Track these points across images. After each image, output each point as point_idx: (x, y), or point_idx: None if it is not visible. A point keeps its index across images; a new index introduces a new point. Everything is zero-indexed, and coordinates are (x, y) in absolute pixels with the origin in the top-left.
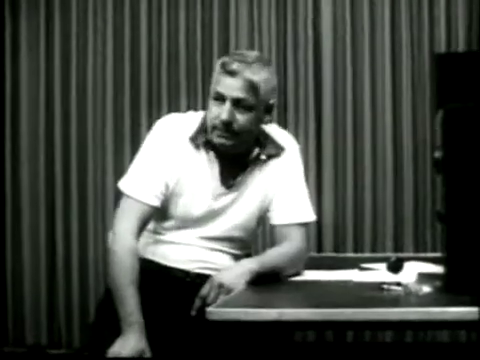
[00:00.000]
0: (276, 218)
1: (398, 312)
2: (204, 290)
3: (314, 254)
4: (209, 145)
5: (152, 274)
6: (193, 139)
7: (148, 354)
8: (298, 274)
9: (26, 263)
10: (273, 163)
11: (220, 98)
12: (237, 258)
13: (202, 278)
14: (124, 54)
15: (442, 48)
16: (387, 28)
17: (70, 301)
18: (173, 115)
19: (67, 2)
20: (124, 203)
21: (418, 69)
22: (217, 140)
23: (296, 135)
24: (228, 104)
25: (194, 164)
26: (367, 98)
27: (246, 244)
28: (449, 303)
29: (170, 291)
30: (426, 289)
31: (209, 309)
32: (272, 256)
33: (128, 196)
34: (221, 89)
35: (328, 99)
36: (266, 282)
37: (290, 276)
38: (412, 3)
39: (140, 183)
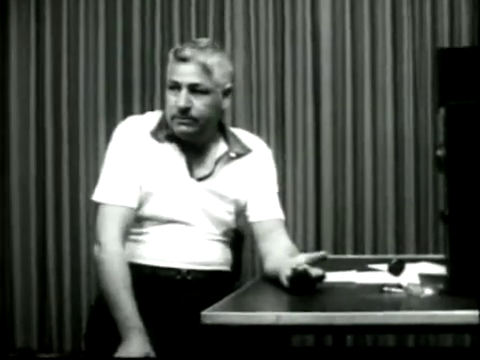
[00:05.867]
0: (258, 215)
1: (399, 315)
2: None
3: None
4: (172, 138)
5: (141, 278)
6: (154, 134)
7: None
8: None
9: (16, 265)
10: (244, 163)
11: (176, 86)
12: (224, 244)
13: (193, 274)
14: (116, 49)
15: (445, 43)
16: (388, 22)
17: (61, 304)
18: (131, 117)
19: None
20: (103, 212)
21: (420, 64)
22: (178, 128)
23: (294, 132)
24: (184, 90)
25: (160, 158)
26: (367, 94)
27: (228, 233)
28: (452, 306)
29: (162, 293)
30: (428, 291)
31: (204, 313)
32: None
33: (105, 204)
34: (176, 77)
35: (327, 95)
36: (264, 285)
37: None
38: None
39: (114, 188)
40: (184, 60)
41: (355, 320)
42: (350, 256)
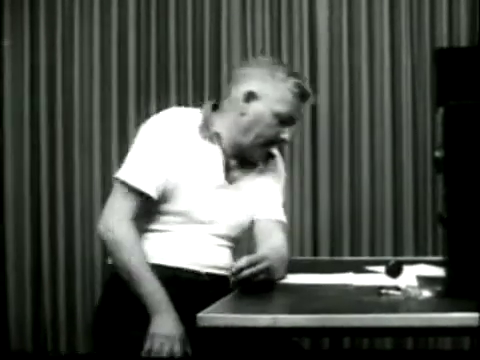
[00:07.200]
0: (262, 213)
1: (397, 318)
2: (242, 263)
3: (309, 257)
4: (217, 138)
5: (161, 279)
6: (202, 130)
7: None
8: (283, 278)
9: (10, 267)
10: (265, 167)
11: (289, 121)
12: (232, 252)
13: (211, 277)
14: (111, 49)
15: (444, 43)
16: (386, 21)
17: (56, 306)
18: (176, 108)
19: None
20: (119, 191)
21: (418, 64)
22: (261, 154)
23: None
24: (294, 126)
25: (200, 156)
26: (365, 95)
27: (238, 240)
28: (451, 308)
29: (182, 294)
30: (426, 294)
31: (200, 315)
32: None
33: (125, 183)
34: (297, 114)
35: (324, 96)
36: (260, 286)
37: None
38: None
39: (140, 171)
40: (307, 98)
41: (352, 322)
42: (347, 258)
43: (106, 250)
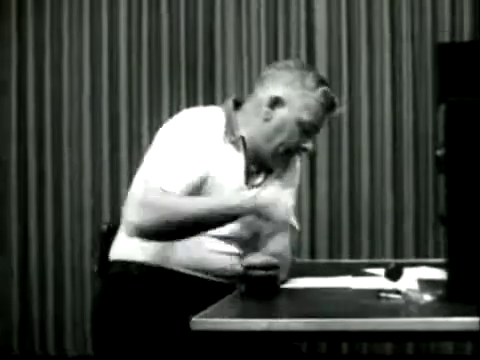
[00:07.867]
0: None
1: (397, 322)
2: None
3: (307, 260)
4: (242, 144)
5: (172, 284)
6: (226, 134)
7: None
8: (284, 282)
9: None
10: (286, 174)
11: (312, 130)
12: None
13: (219, 286)
14: (102, 45)
15: (446, 37)
16: (386, 15)
17: (44, 306)
18: (198, 109)
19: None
20: (147, 193)
21: (419, 60)
22: (281, 161)
23: None
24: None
25: (222, 159)
26: (364, 91)
27: (248, 242)
28: (453, 312)
29: (189, 300)
30: (428, 297)
31: (194, 319)
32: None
33: (167, 192)
34: (320, 124)
35: None
36: (263, 292)
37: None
38: None
39: (174, 175)
40: (332, 110)
41: (350, 326)
42: (346, 260)
43: (158, 232)
